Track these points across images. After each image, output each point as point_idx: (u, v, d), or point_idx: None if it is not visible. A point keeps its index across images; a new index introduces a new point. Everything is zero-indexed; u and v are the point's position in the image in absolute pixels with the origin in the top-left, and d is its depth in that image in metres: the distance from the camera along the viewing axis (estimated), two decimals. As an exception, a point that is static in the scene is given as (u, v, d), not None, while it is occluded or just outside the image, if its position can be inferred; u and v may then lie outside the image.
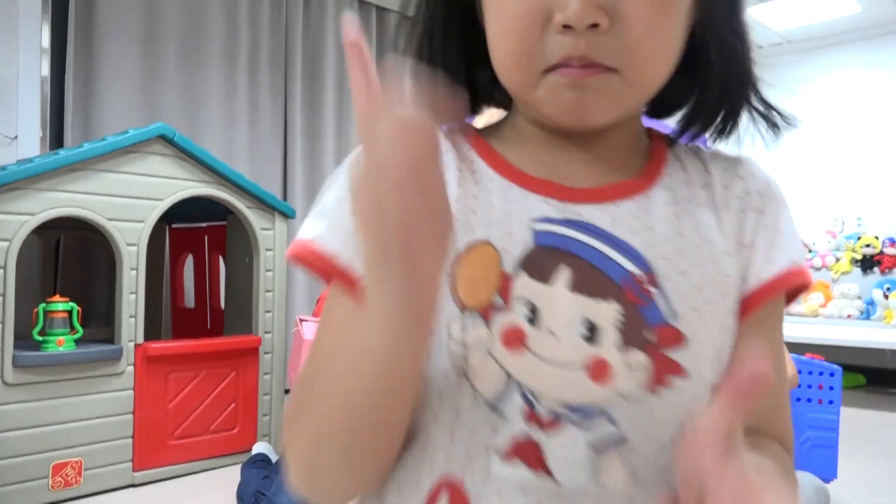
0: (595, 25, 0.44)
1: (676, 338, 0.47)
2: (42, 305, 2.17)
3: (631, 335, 0.46)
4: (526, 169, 0.52)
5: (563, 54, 0.45)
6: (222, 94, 3.44)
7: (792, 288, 0.52)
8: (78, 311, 2.23)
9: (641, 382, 0.46)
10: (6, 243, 2.02)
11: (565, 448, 0.45)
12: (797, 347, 2.80)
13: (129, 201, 2.27)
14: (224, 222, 2.84)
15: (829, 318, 4.22)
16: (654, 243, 0.49)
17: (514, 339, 0.46)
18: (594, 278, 0.47)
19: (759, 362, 0.38)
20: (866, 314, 4.19)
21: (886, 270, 4.24)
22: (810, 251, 4.49)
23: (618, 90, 0.47)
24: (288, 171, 3.71)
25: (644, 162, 0.54)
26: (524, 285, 0.47)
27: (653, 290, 0.47)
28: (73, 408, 2.16)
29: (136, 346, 2.29)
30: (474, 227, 0.49)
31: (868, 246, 4.30)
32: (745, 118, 0.54)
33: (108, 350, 2.22)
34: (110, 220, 2.23)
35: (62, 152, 2.15)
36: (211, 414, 2.48)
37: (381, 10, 4.11)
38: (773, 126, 0.55)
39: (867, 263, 4.30)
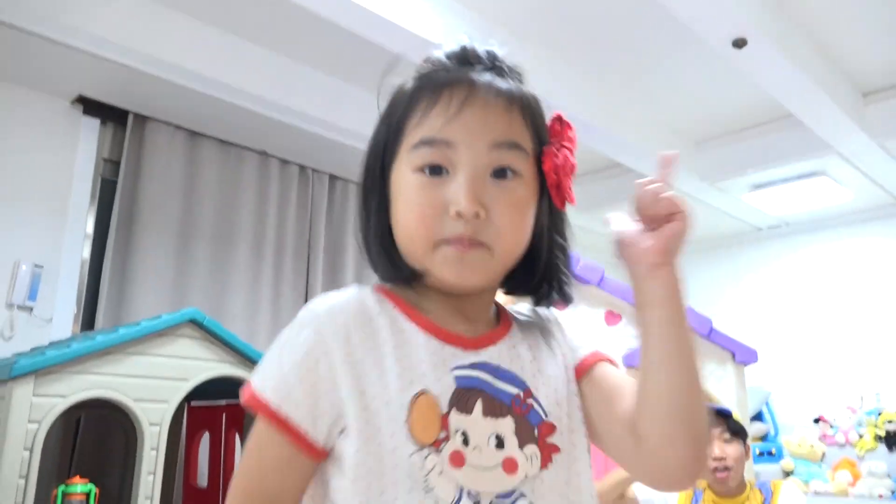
0: (477, 215, 0.67)
1: (551, 428, 0.71)
2: (61, 488, 2.20)
3: (524, 436, 0.69)
4: (439, 324, 0.72)
5: (455, 233, 0.67)
6: (248, 280, 3.63)
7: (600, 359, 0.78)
8: (96, 493, 2.25)
9: (537, 465, 0.69)
10: (35, 426, 2.10)
11: None
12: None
13: (156, 382, 2.36)
14: (243, 401, 2.90)
15: (859, 498, 4.07)
16: (524, 368, 0.73)
17: (458, 460, 0.65)
18: (495, 404, 0.69)
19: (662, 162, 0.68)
20: (898, 494, 4.04)
21: (913, 447, 4.14)
22: (832, 427, 4.42)
23: (488, 261, 0.69)
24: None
25: (496, 318, 0.78)
26: (456, 419, 0.66)
27: (530, 401, 0.71)
28: None
29: (149, 529, 2.28)
30: (413, 378, 0.67)
31: (890, 422, 4.24)
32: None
33: (121, 534, 2.21)
34: (137, 400, 2.31)
35: (99, 337, 2.28)
36: None
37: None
38: (565, 296, 0.77)
39: (892, 440, 4.22)
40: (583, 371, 0.76)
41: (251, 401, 0.69)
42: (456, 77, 0.71)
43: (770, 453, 4.49)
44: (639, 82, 3.37)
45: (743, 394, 2.40)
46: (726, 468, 1.91)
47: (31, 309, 3.00)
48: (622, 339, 2.52)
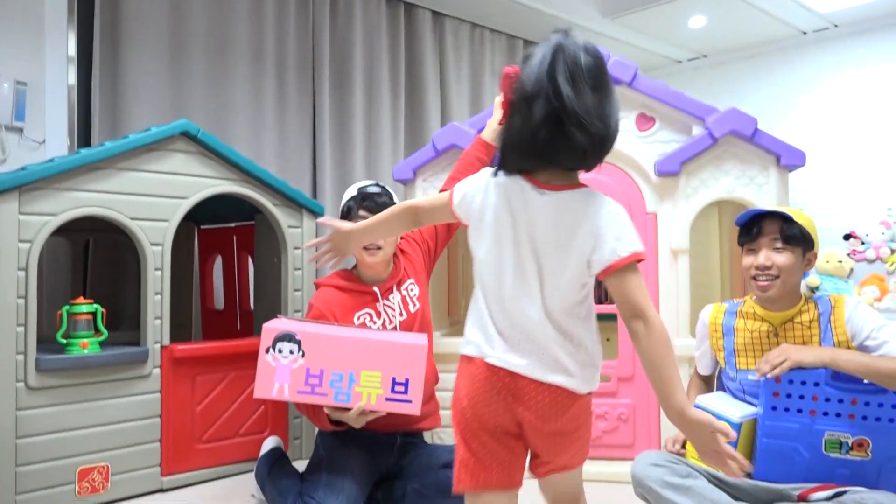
0: None
1: None
2: (66, 307, 2.12)
3: None
4: None
5: None
6: (250, 99, 3.39)
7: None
8: (103, 313, 2.18)
9: None
10: (27, 245, 1.97)
11: None
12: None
13: (152, 200, 2.21)
14: (252, 222, 2.78)
15: (885, 312, 3.99)
16: None
17: None
18: None
19: None
20: (925, 308, 3.95)
21: (945, 262, 3.99)
22: (863, 243, 4.27)
23: None
24: (317, 174, 3.65)
25: None
26: None
27: None
28: (98, 411, 2.10)
29: (162, 347, 2.23)
30: None
31: (925, 237, 4.06)
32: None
33: (133, 352, 2.16)
34: (134, 219, 2.17)
35: (84, 151, 2.10)
36: (240, 417, 2.41)
37: (410, 7, 4.02)
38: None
39: (925, 254, 4.06)
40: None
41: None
42: None
43: (795, 270, 4.37)
44: None
45: (786, 202, 2.20)
46: (772, 277, 1.69)
47: (21, 130, 2.81)
48: (654, 144, 2.29)
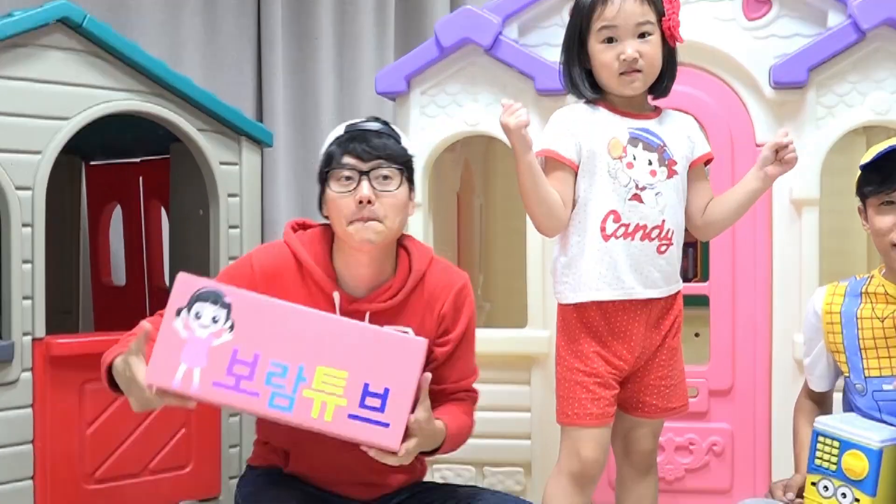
0: (638, 56, 1.95)
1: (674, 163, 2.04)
2: None
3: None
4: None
5: (627, 67, 1.98)
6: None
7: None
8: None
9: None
10: None
11: None
12: None
13: (16, 122, 2.22)
14: (167, 156, 2.79)
15: None
16: (665, 135, 2.09)
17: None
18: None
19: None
20: None
21: None
22: None
23: (644, 79, 1.99)
24: (264, 86, 3.69)
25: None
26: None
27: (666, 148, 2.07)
28: (-59, 435, 2.13)
29: (34, 341, 2.25)
30: None
31: None
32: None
33: (-11, 349, 2.18)
34: (-10, 150, 2.18)
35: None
36: (150, 444, 2.46)
37: None
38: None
39: None
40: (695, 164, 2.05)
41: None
42: None
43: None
44: None
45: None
46: None
47: None
48: (769, 39, 2.27)
